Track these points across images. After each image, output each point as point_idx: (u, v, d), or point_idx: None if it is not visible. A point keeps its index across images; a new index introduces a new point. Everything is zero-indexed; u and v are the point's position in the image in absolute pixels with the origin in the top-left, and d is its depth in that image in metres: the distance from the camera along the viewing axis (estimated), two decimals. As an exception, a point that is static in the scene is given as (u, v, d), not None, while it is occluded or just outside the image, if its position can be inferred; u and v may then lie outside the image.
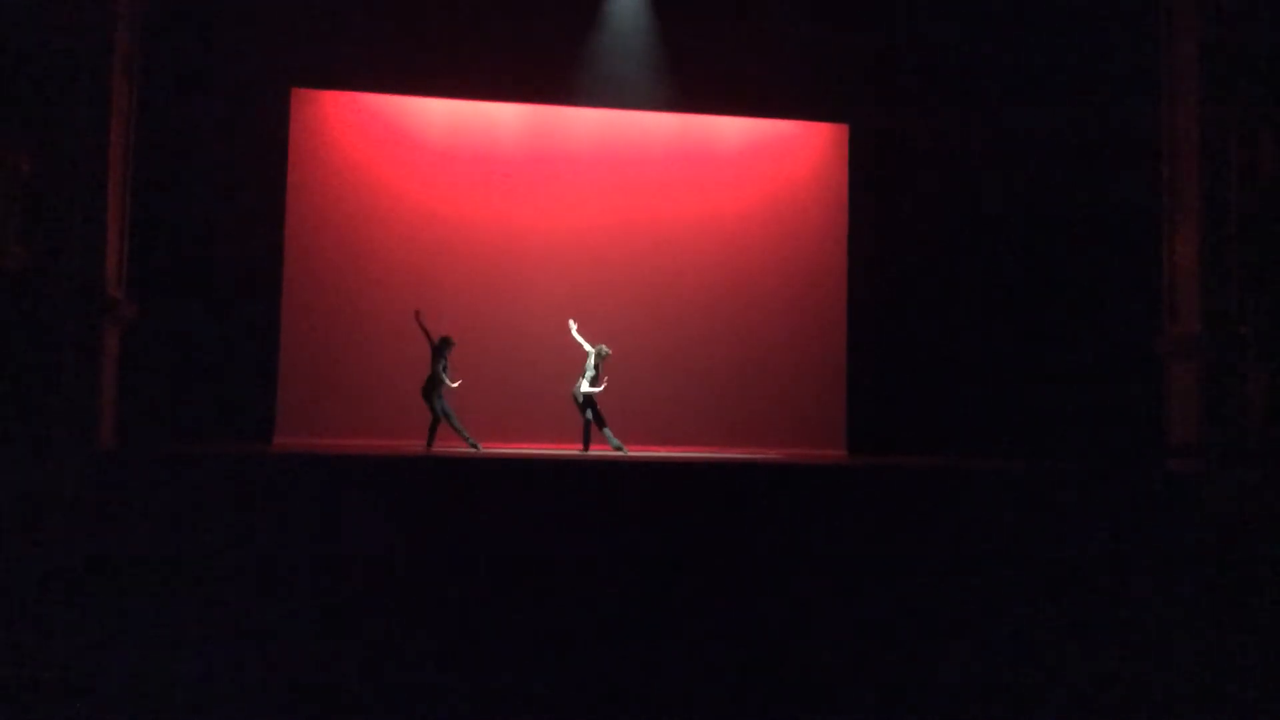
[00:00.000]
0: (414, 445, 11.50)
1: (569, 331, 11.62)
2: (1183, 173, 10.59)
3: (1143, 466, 10.49)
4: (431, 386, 11.33)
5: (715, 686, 5.75)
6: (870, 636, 6.80)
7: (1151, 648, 6.51)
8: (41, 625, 6.42)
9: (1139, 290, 11.62)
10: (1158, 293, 10.82)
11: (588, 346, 11.54)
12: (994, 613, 7.31)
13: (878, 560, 8.19)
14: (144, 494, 8.35)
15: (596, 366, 11.47)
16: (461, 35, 13.23)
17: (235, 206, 12.66)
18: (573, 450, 11.55)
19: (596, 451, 11.44)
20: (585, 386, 11.43)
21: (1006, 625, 7.02)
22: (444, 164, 13.87)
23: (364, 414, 13.13)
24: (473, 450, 11.09)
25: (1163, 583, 7.96)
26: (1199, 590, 7.87)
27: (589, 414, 11.50)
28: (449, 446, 11.42)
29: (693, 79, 13.67)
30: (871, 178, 14.16)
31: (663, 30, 13.69)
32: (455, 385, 11.42)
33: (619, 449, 11.47)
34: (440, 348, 11.36)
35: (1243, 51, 10.24)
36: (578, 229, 14.01)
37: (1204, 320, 10.16)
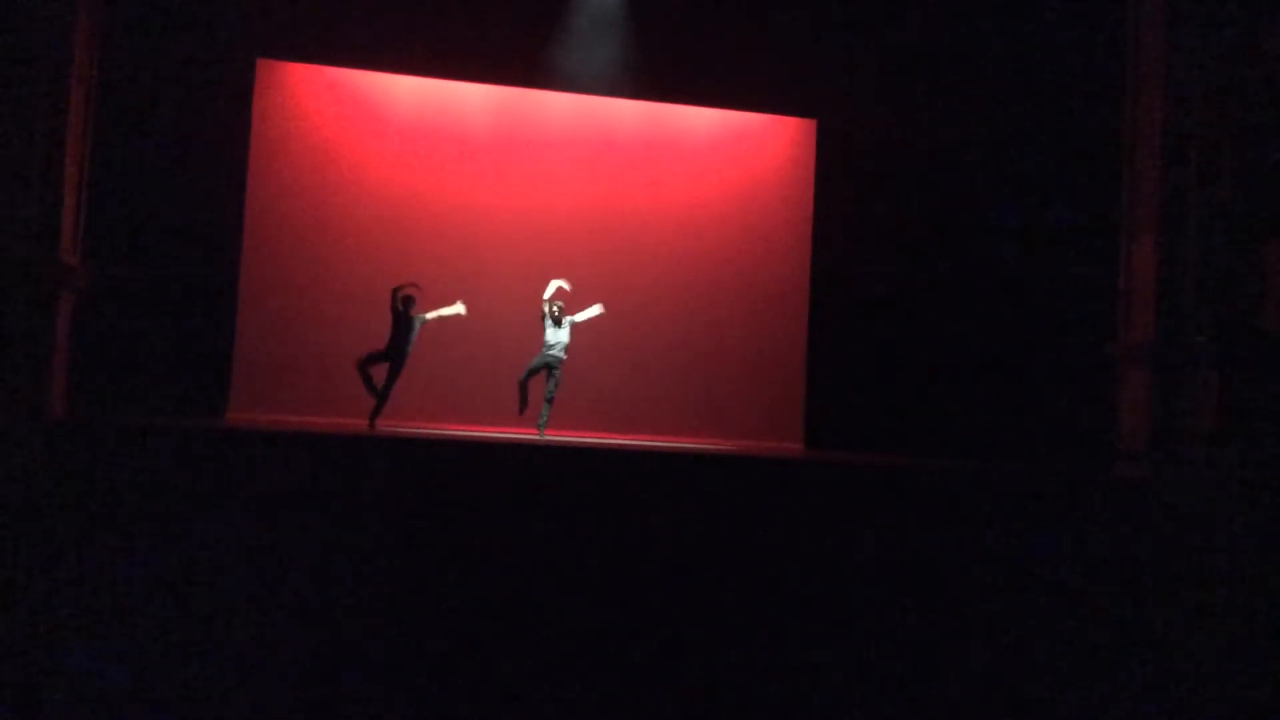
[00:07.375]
0: (375, 425, 11.39)
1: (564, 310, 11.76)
2: (1143, 180, 10.67)
3: (1092, 471, 10.61)
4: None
5: (667, 678, 5.77)
6: (818, 632, 6.84)
7: (1092, 652, 6.60)
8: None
9: (1098, 295, 11.73)
10: (1115, 298, 10.93)
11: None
12: (940, 611, 7.38)
13: (825, 556, 8.24)
14: (93, 466, 8.23)
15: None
16: (433, 13, 13.16)
17: (196, 177, 12.46)
18: (528, 435, 11.51)
19: (551, 436, 11.42)
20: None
21: (954, 624, 7.10)
22: (410, 141, 13.76)
23: (320, 391, 13.02)
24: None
25: (1107, 586, 8.06)
26: (1142, 595, 7.97)
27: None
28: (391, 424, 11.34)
29: (662, 68, 13.69)
30: (837, 174, 14.23)
31: (634, 18, 13.65)
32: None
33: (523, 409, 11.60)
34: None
35: (1205, 60, 10.32)
36: (540, 211, 13.95)
37: (1159, 328, 10.25)
